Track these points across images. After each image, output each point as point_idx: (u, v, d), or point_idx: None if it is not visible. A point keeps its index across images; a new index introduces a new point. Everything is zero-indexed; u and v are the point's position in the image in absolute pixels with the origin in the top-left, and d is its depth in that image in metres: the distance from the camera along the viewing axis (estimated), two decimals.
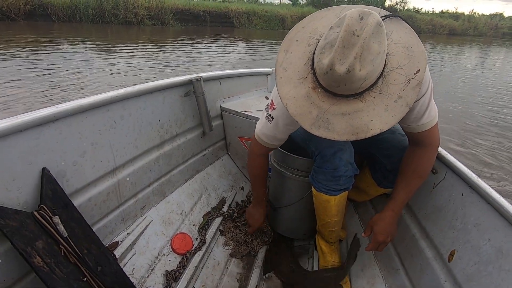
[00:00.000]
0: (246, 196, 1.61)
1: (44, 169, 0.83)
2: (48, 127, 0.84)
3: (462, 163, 1.01)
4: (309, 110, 0.67)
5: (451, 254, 0.91)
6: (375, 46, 0.59)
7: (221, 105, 1.63)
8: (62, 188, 0.85)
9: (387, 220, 0.94)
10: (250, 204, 1.30)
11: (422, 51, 0.68)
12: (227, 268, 1.19)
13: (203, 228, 1.30)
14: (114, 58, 6.22)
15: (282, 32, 15.89)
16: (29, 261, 0.70)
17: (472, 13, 31.36)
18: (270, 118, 0.93)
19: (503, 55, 14.68)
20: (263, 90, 1.95)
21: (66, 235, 0.79)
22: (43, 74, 4.61)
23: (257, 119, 1.51)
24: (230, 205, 1.49)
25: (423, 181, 0.96)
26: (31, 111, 0.82)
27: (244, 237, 1.31)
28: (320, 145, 0.99)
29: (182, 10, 14.03)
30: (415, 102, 0.73)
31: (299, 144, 1.14)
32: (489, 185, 0.89)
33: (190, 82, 1.37)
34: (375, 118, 0.65)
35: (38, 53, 5.92)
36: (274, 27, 16.42)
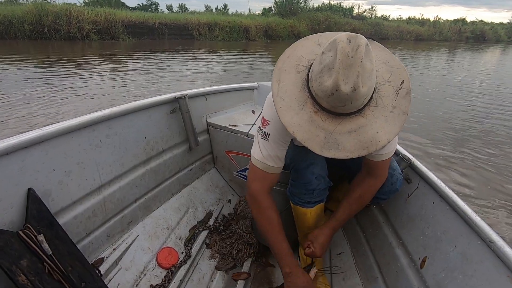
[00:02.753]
0: (233, 208, 1.65)
1: (29, 189, 0.86)
2: (34, 149, 0.88)
3: (433, 173, 1.07)
4: (316, 134, 0.69)
5: (423, 261, 0.96)
6: (368, 64, 0.64)
7: (207, 120, 1.68)
8: (47, 207, 0.88)
9: (327, 236, 1.00)
10: (285, 277, 0.95)
11: (399, 63, 0.75)
12: (212, 281, 1.22)
13: (189, 241, 1.33)
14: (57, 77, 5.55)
15: (245, 43, 15.49)
16: (14, 280, 0.73)
17: (437, 19, 32.68)
18: (266, 136, 0.90)
19: (469, 56, 15.36)
20: (249, 104, 2.01)
21: (50, 252, 0.82)
22: None
23: (243, 133, 1.57)
24: (216, 218, 1.52)
25: (362, 207, 1.04)
26: (18, 133, 0.86)
27: (229, 250, 1.34)
28: (295, 158, 1.03)
29: (135, 23, 13.20)
30: None
31: None
32: (456, 194, 0.95)
33: (175, 100, 1.42)
34: (379, 130, 0.69)
35: None
36: (237, 38, 15.94)
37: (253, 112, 1.89)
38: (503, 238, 0.78)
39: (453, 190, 0.97)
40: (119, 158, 1.17)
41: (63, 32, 10.96)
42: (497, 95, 6.57)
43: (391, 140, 0.70)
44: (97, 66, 7.08)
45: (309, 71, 0.72)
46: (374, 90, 0.70)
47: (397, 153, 1.19)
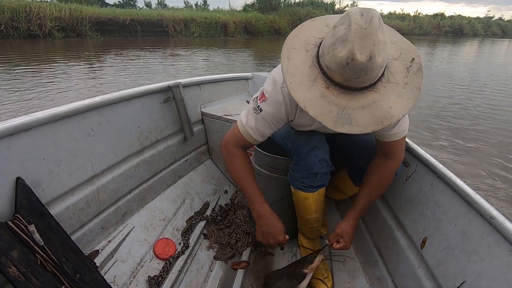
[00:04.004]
0: (230, 199, 1.63)
1: (18, 178, 0.82)
2: (21, 136, 0.83)
3: (431, 155, 1.07)
4: (329, 109, 0.68)
5: (423, 242, 0.96)
6: (381, 36, 0.63)
7: (202, 110, 1.65)
8: (37, 197, 0.84)
9: (354, 228, 1.02)
10: (256, 219, 1.01)
11: (408, 43, 0.75)
12: (211, 271, 1.20)
13: (187, 232, 1.31)
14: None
15: (224, 39, 15.07)
16: (4, 272, 0.69)
17: (417, 13, 33.83)
18: (258, 109, 0.90)
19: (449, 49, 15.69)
20: (243, 94, 1.98)
21: (42, 243, 0.78)
22: None
23: None
24: (213, 208, 1.50)
25: (382, 192, 1.03)
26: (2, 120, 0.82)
27: (228, 239, 1.32)
28: (297, 143, 1.02)
29: (104, 19, 12.44)
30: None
31: (277, 142, 1.17)
32: (455, 174, 0.95)
33: (169, 88, 1.39)
34: (393, 105, 0.68)
35: None
36: (215, 34, 15.49)
37: (248, 102, 1.87)
38: (503, 214, 0.78)
39: (451, 171, 0.98)
40: (112, 148, 1.13)
41: (22, 29, 10.29)
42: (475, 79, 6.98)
43: (405, 114, 0.69)
44: (59, 66, 6.66)
45: (318, 48, 0.71)
46: (386, 66, 0.69)
47: None
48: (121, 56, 8.45)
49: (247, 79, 1.98)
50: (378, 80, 0.69)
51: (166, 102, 1.40)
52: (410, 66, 0.71)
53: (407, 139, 1.15)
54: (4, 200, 0.79)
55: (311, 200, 1.07)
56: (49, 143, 0.91)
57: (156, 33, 14.30)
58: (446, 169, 0.97)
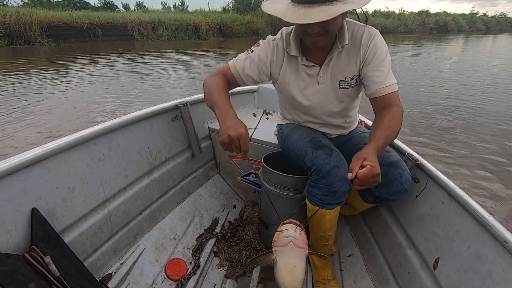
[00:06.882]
0: (239, 214, 1.63)
1: (33, 209, 0.84)
2: (37, 167, 0.85)
3: (441, 172, 1.06)
4: (291, 12, 0.85)
5: (436, 262, 0.95)
6: None
7: (209, 126, 1.66)
8: (52, 227, 0.86)
9: (375, 153, 0.82)
10: (220, 122, 0.93)
11: None
12: None
13: (197, 251, 1.31)
14: None
15: (196, 42, 14.09)
16: None
17: (402, 11, 33.92)
18: (249, 51, 1.09)
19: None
20: (249, 107, 1.99)
21: (58, 274, 0.80)
22: None
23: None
24: (223, 225, 1.51)
25: (395, 136, 0.93)
26: (19, 153, 0.84)
27: (238, 257, 1.33)
28: (316, 162, 1.03)
29: (57, 24, 11.15)
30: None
31: (293, 159, 1.18)
32: (466, 193, 0.94)
33: (177, 107, 1.40)
34: (344, 6, 0.82)
35: None
36: (185, 37, 14.56)
37: (254, 115, 1.87)
38: None
39: (462, 189, 0.97)
40: (123, 170, 1.15)
41: None
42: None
43: (356, 8, 0.83)
44: None
45: None
46: None
47: (403, 152, 1.18)
48: (75, 63, 7.78)
49: (253, 91, 1.99)
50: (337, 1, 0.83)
51: (174, 121, 1.42)
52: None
53: (417, 155, 1.14)
54: (21, 232, 0.81)
55: (327, 217, 1.07)
56: (63, 172, 0.93)
57: (120, 37, 13.28)
58: (457, 187, 0.96)
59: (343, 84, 1.06)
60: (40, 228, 0.83)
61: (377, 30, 1.02)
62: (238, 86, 1.15)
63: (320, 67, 1.04)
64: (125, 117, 1.16)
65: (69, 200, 0.95)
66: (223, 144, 0.89)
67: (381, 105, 1.00)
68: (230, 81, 1.11)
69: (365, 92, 1.06)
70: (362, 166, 0.77)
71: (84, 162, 1.00)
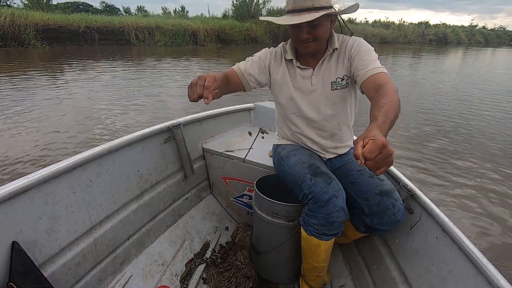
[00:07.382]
0: (230, 236, 1.60)
1: (14, 242, 0.81)
2: (19, 199, 0.83)
3: (435, 205, 1.04)
4: (282, 19, 1.02)
5: None
6: None
7: (203, 146, 1.64)
8: (32, 261, 0.83)
9: (379, 130, 0.71)
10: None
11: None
12: None
13: (186, 277, 1.28)
14: None
15: (193, 48, 13.94)
16: None
17: (402, 22, 34.26)
18: (251, 56, 1.21)
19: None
20: (245, 125, 1.98)
21: None
22: None
23: (240, 158, 1.54)
24: (213, 249, 1.47)
25: (395, 110, 0.82)
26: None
27: (227, 284, 1.29)
28: (314, 189, 1.01)
29: (53, 27, 11.16)
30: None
31: (289, 184, 1.16)
32: (460, 230, 0.92)
33: (169, 129, 1.38)
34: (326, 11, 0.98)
35: None
36: (182, 43, 14.42)
37: (250, 133, 1.86)
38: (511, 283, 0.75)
39: (456, 225, 0.94)
40: (111, 196, 1.13)
41: None
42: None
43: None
44: None
45: None
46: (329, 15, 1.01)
47: (398, 181, 1.16)
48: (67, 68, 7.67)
49: (250, 109, 1.98)
50: (321, 9, 0.98)
51: (167, 142, 1.40)
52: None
53: (412, 186, 1.12)
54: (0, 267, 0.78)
55: (322, 248, 1.05)
56: (48, 201, 0.91)
57: (116, 42, 13.22)
58: (451, 223, 0.94)
59: (335, 85, 1.12)
60: (19, 263, 0.80)
61: (362, 38, 1.12)
62: (242, 90, 1.19)
63: (313, 70, 1.13)
64: (115, 142, 1.14)
65: (52, 230, 0.92)
66: (190, 86, 0.87)
67: (372, 87, 0.92)
68: (234, 82, 1.16)
69: (357, 85, 1.02)
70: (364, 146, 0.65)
71: (70, 190, 0.98)
